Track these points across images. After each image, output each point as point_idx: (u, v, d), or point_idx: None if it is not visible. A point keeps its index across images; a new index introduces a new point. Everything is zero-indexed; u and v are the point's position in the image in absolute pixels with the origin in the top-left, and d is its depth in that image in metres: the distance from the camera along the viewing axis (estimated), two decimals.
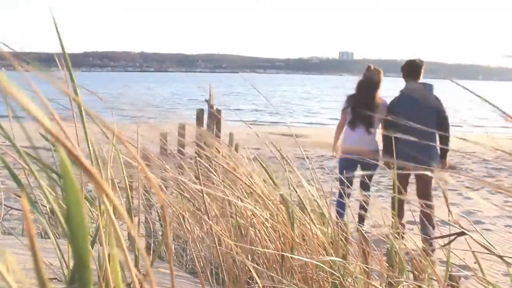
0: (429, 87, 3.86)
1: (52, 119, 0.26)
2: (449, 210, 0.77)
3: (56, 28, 0.54)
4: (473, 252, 0.84)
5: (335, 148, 4.26)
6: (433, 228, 3.15)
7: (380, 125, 4.05)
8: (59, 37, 0.57)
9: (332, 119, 22.92)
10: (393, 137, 3.45)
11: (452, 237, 0.78)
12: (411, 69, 3.93)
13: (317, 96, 45.13)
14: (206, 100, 4.26)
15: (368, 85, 4.00)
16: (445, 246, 0.88)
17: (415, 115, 3.40)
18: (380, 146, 4.09)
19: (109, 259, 0.67)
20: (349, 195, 3.39)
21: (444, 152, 3.87)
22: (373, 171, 4.09)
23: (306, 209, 1.35)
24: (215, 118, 4.05)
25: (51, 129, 0.23)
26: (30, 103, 0.23)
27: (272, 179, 1.34)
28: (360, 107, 3.90)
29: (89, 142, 0.69)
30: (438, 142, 3.73)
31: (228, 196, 1.31)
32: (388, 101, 4.05)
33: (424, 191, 3.81)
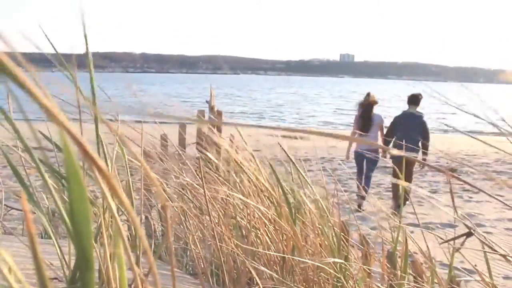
0: (420, 113, 6.02)
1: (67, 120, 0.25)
2: (455, 211, 0.77)
3: (84, 30, 0.54)
4: (485, 252, 0.84)
5: (348, 151, 6.55)
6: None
7: (379, 131, 6.16)
8: (86, 40, 0.57)
9: (323, 123, 22.63)
10: (391, 138, 5.91)
11: (461, 239, 0.78)
12: (413, 100, 6.05)
13: (313, 99, 44.84)
14: (206, 101, 4.26)
15: (367, 105, 6.11)
16: (458, 249, 0.87)
17: (409, 128, 5.79)
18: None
19: (110, 259, 0.67)
20: (362, 177, 6.21)
21: (424, 152, 6.00)
22: (374, 162, 6.30)
23: (309, 209, 1.35)
24: (215, 120, 4.05)
25: (70, 130, 0.23)
26: (51, 104, 0.22)
27: (277, 178, 1.33)
28: (363, 120, 6.12)
29: (100, 142, 0.69)
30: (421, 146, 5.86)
31: (230, 196, 1.30)
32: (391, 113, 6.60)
33: (408, 175, 5.91)
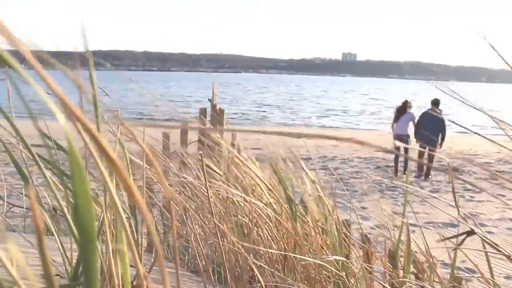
0: (440, 111, 8.35)
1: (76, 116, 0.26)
2: (458, 210, 0.77)
3: (82, 26, 0.54)
4: (485, 252, 0.83)
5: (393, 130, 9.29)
6: (429, 169, 8.78)
7: (411, 123, 8.76)
8: (84, 36, 0.57)
9: (311, 123, 22.07)
10: (419, 129, 8.36)
11: (462, 237, 0.78)
12: (435, 103, 8.64)
13: (307, 98, 44.01)
14: (209, 100, 4.25)
15: (403, 105, 8.95)
16: (457, 247, 0.87)
17: (431, 122, 8.23)
18: (410, 132, 8.79)
19: (112, 256, 0.67)
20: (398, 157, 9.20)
21: (442, 139, 8.48)
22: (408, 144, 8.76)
23: (310, 208, 1.35)
24: (217, 118, 4.04)
25: (90, 129, 0.23)
26: (69, 100, 0.22)
27: (279, 177, 1.33)
28: (399, 114, 8.95)
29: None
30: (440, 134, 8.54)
31: (231, 194, 1.30)
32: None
33: (431, 155, 8.13)
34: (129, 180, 0.25)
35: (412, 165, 9.48)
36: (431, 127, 8.14)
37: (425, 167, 8.65)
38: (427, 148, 7.45)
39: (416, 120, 8.84)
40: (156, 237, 0.25)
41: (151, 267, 1.02)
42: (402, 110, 8.99)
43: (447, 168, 0.78)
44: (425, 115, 8.52)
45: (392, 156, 10.05)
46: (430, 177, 8.69)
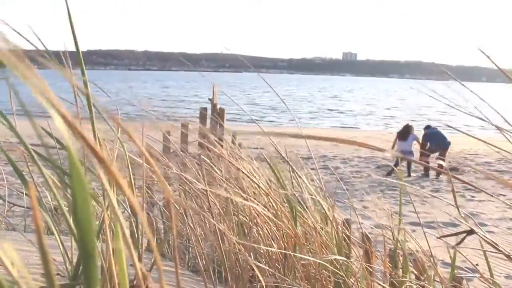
0: (434, 128, 10.27)
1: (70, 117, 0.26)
2: (458, 209, 0.77)
3: (72, 26, 0.54)
4: (484, 251, 0.84)
5: (393, 148, 9.93)
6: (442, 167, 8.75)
7: (415, 141, 9.90)
8: (74, 35, 0.57)
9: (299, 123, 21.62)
10: (426, 145, 9.91)
11: (462, 236, 0.78)
12: (428, 126, 10.26)
13: (303, 98, 43.62)
14: (209, 99, 4.25)
15: (405, 128, 9.98)
16: (457, 245, 0.87)
17: (437, 135, 9.95)
18: (413, 148, 9.85)
19: (112, 255, 0.67)
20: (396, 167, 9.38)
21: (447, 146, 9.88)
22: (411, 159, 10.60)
23: (310, 208, 1.35)
24: (218, 117, 4.04)
25: (75, 127, 0.23)
26: (56, 100, 0.22)
27: (278, 177, 1.33)
28: (402, 133, 10.05)
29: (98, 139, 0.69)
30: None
31: (231, 195, 1.30)
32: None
33: (443, 155, 9.51)
34: (120, 179, 0.25)
35: (413, 165, 9.77)
36: (439, 138, 9.77)
37: (436, 166, 9.63)
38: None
39: (420, 139, 10.05)
40: (151, 237, 0.25)
41: (151, 267, 1.02)
42: (406, 132, 10.00)
43: (446, 169, 0.78)
44: (429, 133, 10.01)
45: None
46: (441, 175, 9.61)
